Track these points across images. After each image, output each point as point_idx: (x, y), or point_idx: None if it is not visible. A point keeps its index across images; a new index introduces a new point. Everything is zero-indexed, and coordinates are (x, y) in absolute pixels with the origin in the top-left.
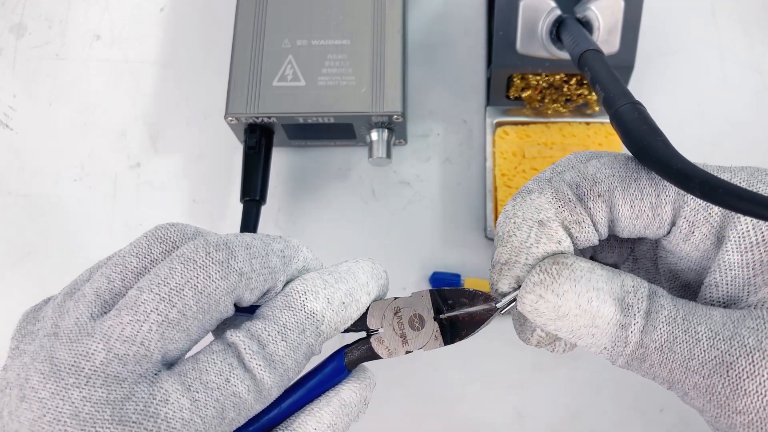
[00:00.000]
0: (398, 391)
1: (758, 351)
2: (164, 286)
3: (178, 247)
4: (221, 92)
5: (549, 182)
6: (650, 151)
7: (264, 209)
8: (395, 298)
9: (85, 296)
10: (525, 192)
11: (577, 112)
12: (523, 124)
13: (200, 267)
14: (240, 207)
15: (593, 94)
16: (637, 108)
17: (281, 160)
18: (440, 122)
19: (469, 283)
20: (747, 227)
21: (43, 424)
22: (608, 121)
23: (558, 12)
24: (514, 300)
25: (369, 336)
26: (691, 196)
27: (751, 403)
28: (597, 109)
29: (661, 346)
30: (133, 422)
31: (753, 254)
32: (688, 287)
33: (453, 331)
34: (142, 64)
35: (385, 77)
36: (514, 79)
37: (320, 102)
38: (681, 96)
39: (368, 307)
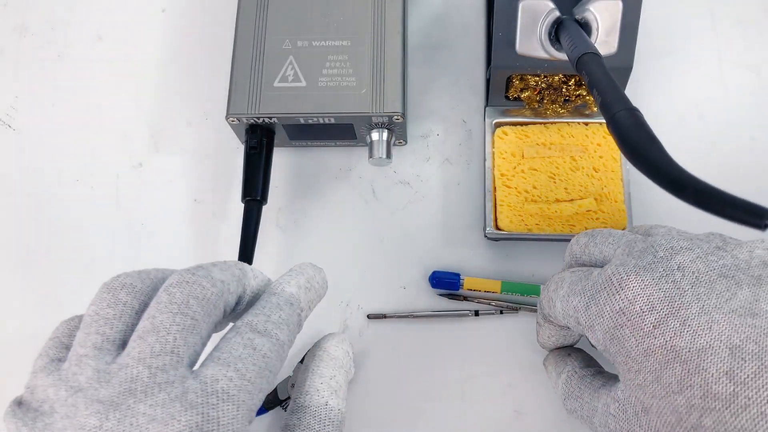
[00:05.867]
0: (397, 389)
1: None
2: (171, 305)
3: (135, 286)
4: (222, 93)
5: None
6: (646, 158)
7: (265, 209)
8: None
9: (86, 356)
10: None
11: (575, 112)
12: (522, 124)
13: (193, 283)
14: (241, 207)
15: None
16: (634, 114)
17: (282, 160)
18: (440, 122)
19: (468, 283)
20: None
21: None
22: None
23: (557, 13)
24: None
25: None
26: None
27: None
28: (595, 109)
29: None
30: (200, 404)
31: None
32: None
33: None
34: (144, 64)
35: (385, 78)
36: (513, 80)
37: (321, 102)
38: (679, 97)
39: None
